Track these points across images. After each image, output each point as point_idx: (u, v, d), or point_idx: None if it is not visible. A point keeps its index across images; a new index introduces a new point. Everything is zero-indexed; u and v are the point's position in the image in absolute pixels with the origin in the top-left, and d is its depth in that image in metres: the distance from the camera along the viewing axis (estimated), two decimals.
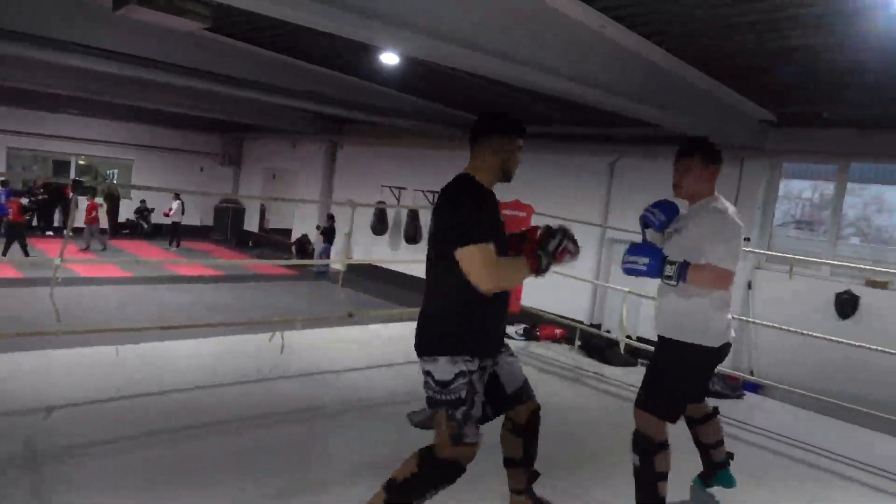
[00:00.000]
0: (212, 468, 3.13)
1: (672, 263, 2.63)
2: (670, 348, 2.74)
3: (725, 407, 4.69)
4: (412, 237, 12.58)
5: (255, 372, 4.49)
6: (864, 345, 4.59)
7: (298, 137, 16.38)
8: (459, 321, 2.38)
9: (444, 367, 2.34)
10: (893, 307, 7.39)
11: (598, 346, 5.59)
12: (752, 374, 8.20)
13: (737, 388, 5.01)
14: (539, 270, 2.36)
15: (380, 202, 12.06)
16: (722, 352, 2.77)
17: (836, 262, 7.55)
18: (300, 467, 3.25)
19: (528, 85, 5.98)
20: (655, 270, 2.67)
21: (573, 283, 6.28)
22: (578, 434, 4.00)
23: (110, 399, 3.81)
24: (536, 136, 10.79)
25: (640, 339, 7.33)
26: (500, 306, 2.47)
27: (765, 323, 6.06)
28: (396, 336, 5.84)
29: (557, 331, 6.12)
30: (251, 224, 19.40)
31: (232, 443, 3.47)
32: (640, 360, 5.70)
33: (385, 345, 5.60)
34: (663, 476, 2.72)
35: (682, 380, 2.74)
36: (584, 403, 4.66)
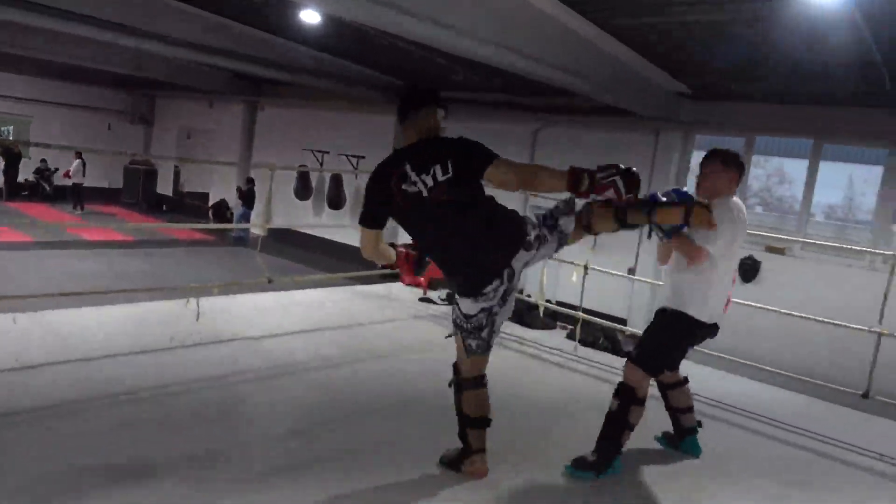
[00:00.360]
0: (125, 439, 3.02)
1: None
2: (668, 316, 3.11)
3: None
4: (336, 202, 12.37)
5: (168, 340, 4.33)
6: (764, 307, 4.91)
7: (216, 97, 15.66)
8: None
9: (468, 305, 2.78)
10: (789, 271, 7.92)
11: (518, 310, 5.71)
12: None
13: None
14: (576, 188, 2.59)
15: (302, 166, 11.75)
16: (710, 330, 3.13)
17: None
18: (221, 434, 3.18)
19: (453, 50, 5.94)
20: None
21: None
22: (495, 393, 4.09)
23: (10, 369, 3.58)
24: (461, 101, 10.79)
25: (559, 304, 7.58)
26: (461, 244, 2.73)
27: None
28: (316, 301, 5.78)
29: None
30: (165, 187, 18.50)
31: (146, 411, 3.35)
32: (558, 324, 5.90)
33: (305, 311, 5.52)
34: (630, 427, 3.06)
35: (670, 342, 3.14)
36: (502, 365, 4.76)
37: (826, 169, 9.44)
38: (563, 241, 2.88)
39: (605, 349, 5.20)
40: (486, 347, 2.86)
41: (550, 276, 5.98)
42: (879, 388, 4.10)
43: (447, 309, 6.07)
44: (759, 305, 4.95)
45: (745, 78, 7.38)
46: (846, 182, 14.22)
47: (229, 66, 10.82)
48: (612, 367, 4.83)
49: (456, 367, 2.95)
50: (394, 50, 8.48)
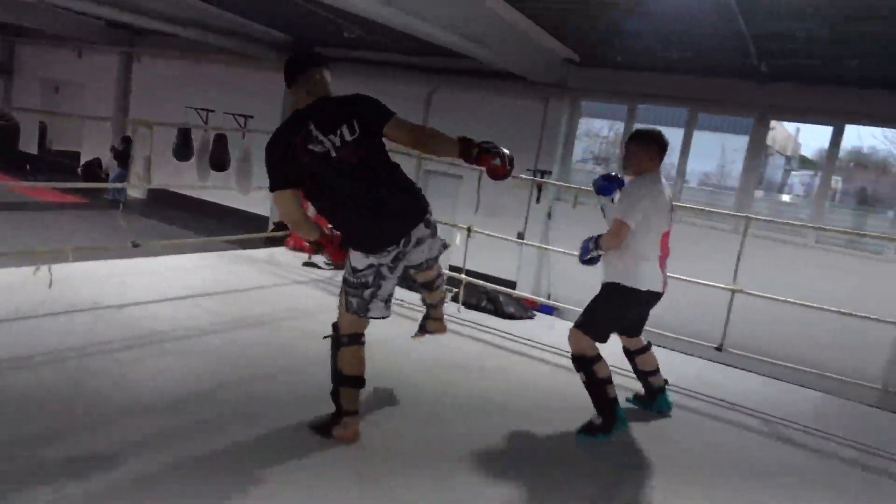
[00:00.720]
0: None
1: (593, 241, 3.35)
2: (604, 287, 3.38)
3: (517, 326, 5.08)
4: (220, 164, 11.72)
5: (14, 311, 3.93)
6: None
7: (85, 46, 14.31)
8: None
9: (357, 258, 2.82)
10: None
11: (402, 273, 5.68)
12: (548, 297, 8.91)
13: (528, 309, 5.38)
14: (466, 154, 2.75)
15: (183, 124, 11.01)
16: (647, 296, 3.32)
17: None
18: (67, 414, 2.91)
19: (343, 5, 5.68)
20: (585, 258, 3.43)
21: None
22: (372, 352, 4.04)
23: None
24: (353, 60, 10.47)
25: (449, 267, 7.60)
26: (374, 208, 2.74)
27: (556, 249, 6.50)
28: (190, 267, 5.45)
29: None
30: (29, 145, 16.82)
31: None
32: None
33: (177, 277, 5.19)
34: (607, 380, 3.28)
35: (608, 310, 3.34)
36: (383, 326, 4.71)
37: (703, 138, 10.00)
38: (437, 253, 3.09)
39: (487, 311, 5.25)
40: (364, 310, 2.82)
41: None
42: (732, 342, 4.43)
43: (332, 273, 5.93)
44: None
45: (626, 47, 7.58)
46: (720, 151, 15.24)
47: (101, 14, 9.87)
48: (493, 328, 4.92)
49: (335, 324, 2.94)
50: (284, 4, 8.04)
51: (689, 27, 6.37)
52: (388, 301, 2.87)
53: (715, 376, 4.50)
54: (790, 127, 20.73)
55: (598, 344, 3.28)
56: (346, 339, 2.88)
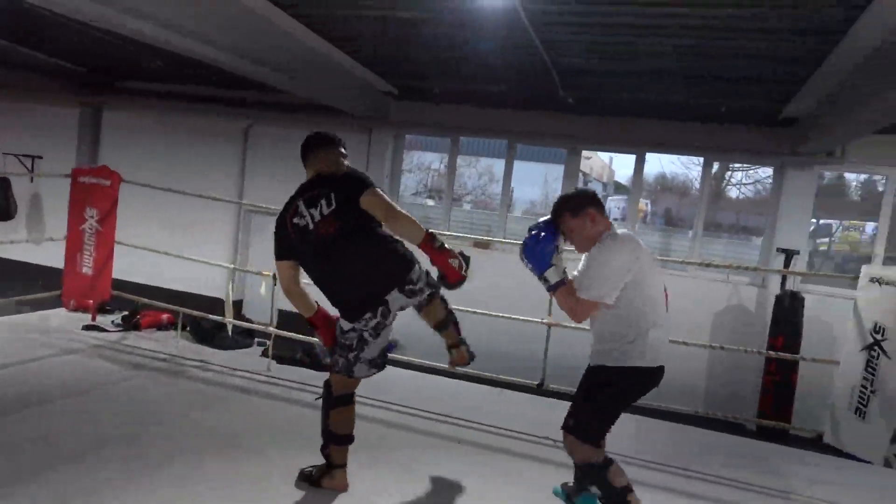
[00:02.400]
0: None
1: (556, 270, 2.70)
2: (598, 373, 2.72)
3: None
4: (4, 212, 10.15)
5: None
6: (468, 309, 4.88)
7: None
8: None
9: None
10: (494, 265, 8.38)
11: (206, 329, 5.03)
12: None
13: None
14: (430, 244, 2.74)
15: None
16: (660, 374, 2.69)
17: (448, 233, 8.29)
18: None
19: (140, 37, 5.01)
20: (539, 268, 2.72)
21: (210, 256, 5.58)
22: (147, 432, 3.40)
23: None
24: (160, 95, 9.58)
25: (281, 314, 6.94)
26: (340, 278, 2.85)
27: None
28: None
29: (164, 316, 5.36)
30: None
31: None
32: (256, 340, 5.31)
33: None
34: (627, 488, 2.66)
35: (612, 404, 2.72)
36: (168, 395, 4.05)
37: (525, 168, 10.31)
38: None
39: (302, 364, 4.76)
40: (348, 371, 2.88)
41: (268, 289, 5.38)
42: (554, 377, 4.30)
43: (119, 336, 5.11)
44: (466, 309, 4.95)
45: (441, 81, 7.59)
46: (543, 180, 16.04)
47: None
48: (307, 383, 4.41)
49: (327, 382, 2.99)
50: (74, 33, 7.08)
51: (500, 61, 6.46)
52: (372, 362, 2.91)
53: (536, 414, 4.27)
54: (605, 156, 22.53)
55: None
56: (337, 401, 2.95)
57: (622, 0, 4.52)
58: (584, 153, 9.02)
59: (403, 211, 2.80)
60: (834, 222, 16.92)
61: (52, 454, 3.04)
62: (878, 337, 3.06)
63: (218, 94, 9.48)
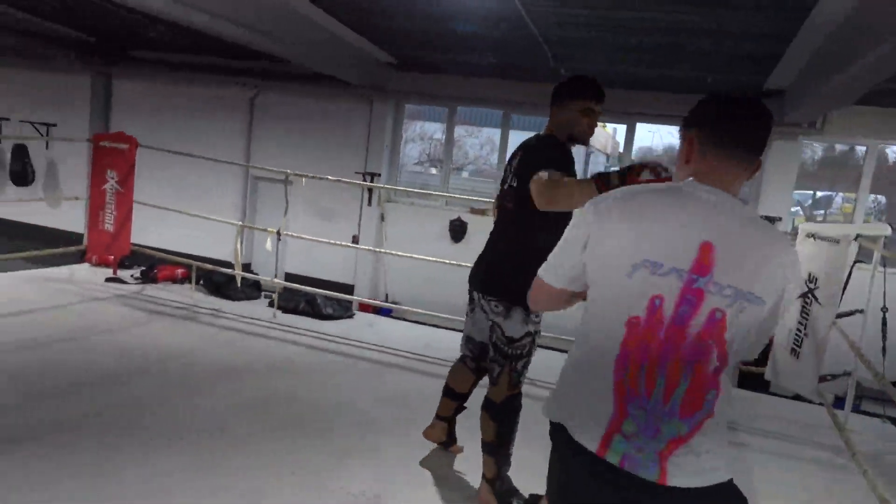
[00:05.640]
0: None
1: None
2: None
3: (335, 327, 5.09)
4: (21, 177, 10.60)
5: None
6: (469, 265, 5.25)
7: None
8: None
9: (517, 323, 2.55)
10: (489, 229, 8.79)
11: (218, 282, 5.49)
12: (387, 298, 9.04)
13: (347, 309, 5.42)
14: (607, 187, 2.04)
15: None
16: None
17: (447, 195, 8.67)
18: None
19: (141, 7, 5.34)
20: None
21: (215, 223, 6.00)
22: (165, 362, 3.88)
23: None
24: (169, 64, 9.92)
25: (287, 276, 7.39)
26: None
27: (392, 252, 6.63)
28: None
29: (179, 270, 5.81)
30: None
31: None
32: (263, 293, 5.77)
33: None
34: None
35: None
36: (189, 338, 4.53)
37: (522, 137, 10.61)
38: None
39: (304, 313, 5.22)
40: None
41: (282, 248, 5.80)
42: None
43: (138, 287, 5.58)
44: (466, 264, 5.31)
45: (438, 52, 7.89)
46: None
47: None
48: (308, 329, 4.89)
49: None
50: (85, 3, 7.42)
51: (492, 34, 6.76)
52: (464, 341, 2.88)
53: None
54: (610, 128, 22.70)
55: None
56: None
57: None
58: None
59: (560, 189, 2.20)
60: (838, 195, 17.15)
61: (92, 375, 3.51)
62: (812, 286, 3.46)
63: (225, 63, 9.81)
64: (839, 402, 5.61)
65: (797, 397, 4.45)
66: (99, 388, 3.38)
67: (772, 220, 7.74)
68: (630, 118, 8.43)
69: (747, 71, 7.00)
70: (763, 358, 3.99)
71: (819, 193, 17.49)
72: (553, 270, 1.51)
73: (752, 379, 4.64)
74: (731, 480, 1.38)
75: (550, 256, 1.53)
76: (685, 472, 1.32)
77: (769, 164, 8.06)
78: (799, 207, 16.13)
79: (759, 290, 1.31)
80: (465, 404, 2.98)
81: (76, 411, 3.10)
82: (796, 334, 3.58)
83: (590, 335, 1.42)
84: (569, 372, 1.47)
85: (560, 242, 1.50)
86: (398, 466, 2.90)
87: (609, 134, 24.44)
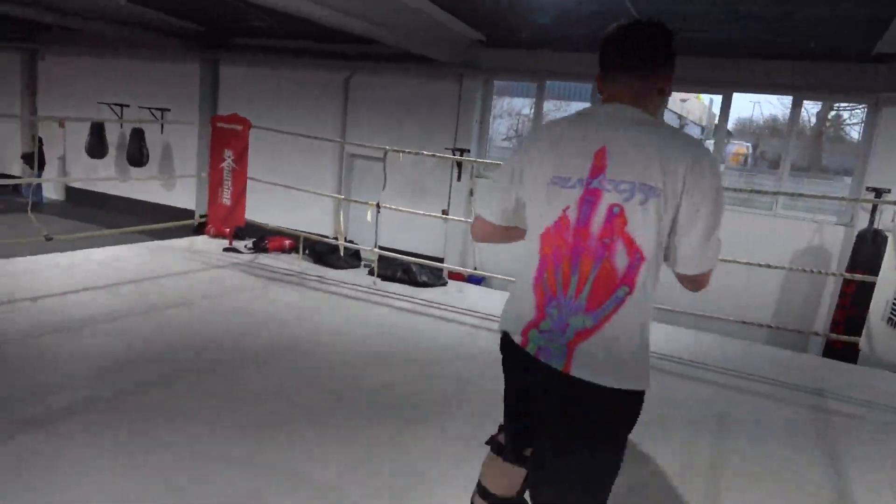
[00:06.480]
0: None
1: None
2: (622, 405, 1.56)
3: (431, 293, 5.39)
4: (138, 159, 11.56)
5: None
6: None
7: None
8: None
9: None
10: None
11: (321, 252, 5.91)
12: (475, 269, 9.29)
13: (440, 277, 5.70)
14: None
15: (96, 120, 10.81)
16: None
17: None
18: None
19: None
20: None
21: (316, 199, 6.49)
22: (288, 323, 4.28)
23: None
24: (267, 49, 10.49)
25: (382, 248, 7.79)
26: None
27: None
28: (107, 259, 5.52)
29: (287, 242, 6.29)
30: None
31: None
32: (363, 262, 6.16)
33: (94, 268, 5.25)
34: None
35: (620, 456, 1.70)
36: (301, 302, 4.95)
37: None
38: None
39: (401, 281, 5.54)
40: None
41: (371, 222, 6.18)
42: None
43: (252, 256, 6.10)
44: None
45: (528, 27, 7.94)
46: None
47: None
48: (405, 295, 5.23)
49: None
50: None
51: (581, 7, 6.76)
52: None
53: None
54: (706, 98, 21.87)
55: None
56: None
57: None
58: (680, 96, 9.11)
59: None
60: None
61: (223, 329, 3.97)
62: None
63: (320, 47, 10.27)
64: None
65: None
66: (228, 345, 3.82)
67: (879, 191, 7.36)
68: (725, 88, 8.18)
69: (856, 35, 6.65)
70: (858, 327, 3.94)
71: None
72: (488, 206, 1.69)
73: (843, 350, 4.56)
74: (640, 392, 1.48)
75: (484, 193, 1.65)
76: (588, 365, 1.44)
77: (879, 133, 7.63)
78: None
79: (657, 183, 1.39)
80: None
81: (212, 363, 3.54)
82: (893, 304, 3.52)
83: (521, 256, 1.59)
84: (509, 292, 1.68)
85: (490, 180, 1.67)
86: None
87: (705, 105, 23.50)
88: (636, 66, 1.52)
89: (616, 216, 1.42)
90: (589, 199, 1.45)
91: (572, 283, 1.46)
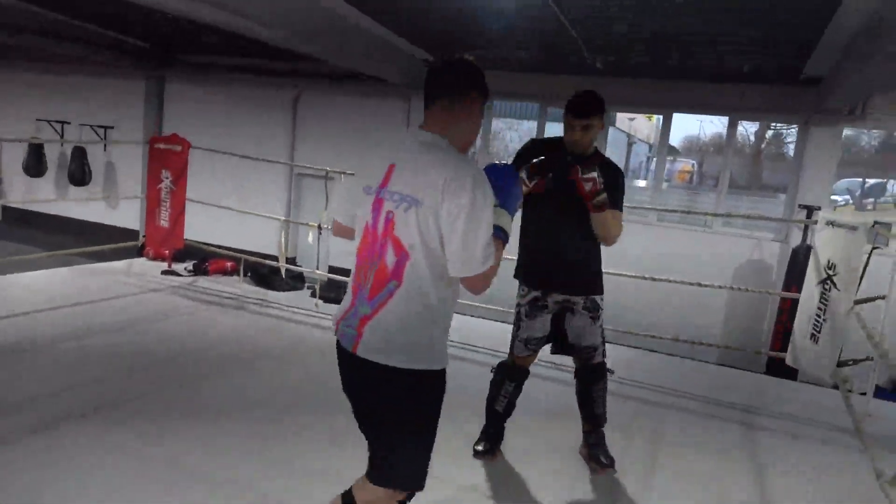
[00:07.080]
0: None
1: None
2: (415, 382, 1.78)
3: None
4: (80, 178, 11.23)
5: None
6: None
7: None
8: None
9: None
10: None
11: (263, 274, 5.82)
12: None
13: None
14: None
15: (34, 138, 10.48)
16: None
17: None
18: None
19: (189, 15, 5.69)
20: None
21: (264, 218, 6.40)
22: (216, 346, 4.19)
23: None
24: (217, 66, 10.37)
25: (331, 269, 7.72)
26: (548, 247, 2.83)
27: None
28: (40, 282, 5.32)
29: (228, 264, 6.18)
30: None
31: None
32: (306, 285, 6.09)
33: (23, 293, 5.05)
34: None
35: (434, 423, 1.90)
36: (237, 325, 4.86)
37: (559, 129, 10.71)
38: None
39: None
40: (511, 346, 3.00)
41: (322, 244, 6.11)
42: None
43: (192, 279, 5.96)
44: None
45: (475, 47, 8.05)
46: None
47: None
48: None
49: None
50: (137, 12, 7.87)
51: (524, 28, 6.90)
52: (527, 343, 2.92)
53: None
54: (656, 118, 22.46)
55: None
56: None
57: None
58: (627, 115, 9.36)
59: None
60: (891, 182, 16.53)
61: (148, 358, 3.86)
62: (830, 272, 3.52)
63: (269, 65, 10.20)
64: (881, 391, 5.60)
65: (835, 386, 4.51)
66: (155, 370, 3.71)
67: (810, 209, 7.66)
68: (666, 109, 8.44)
69: (784, 57, 6.96)
70: (785, 344, 4.10)
71: (870, 181, 16.90)
72: (338, 212, 2.00)
73: (782, 367, 4.72)
74: (420, 371, 1.71)
75: (338, 199, 2.15)
76: (369, 347, 1.72)
77: (809, 152, 7.97)
78: (848, 196, 15.68)
79: (419, 195, 1.66)
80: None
81: (142, 386, 3.44)
82: (815, 320, 3.65)
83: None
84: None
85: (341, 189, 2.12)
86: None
87: (653, 124, 24.18)
88: (439, 98, 1.80)
89: (389, 221, 1.70)
90: (376, 207, 1.74)
91: (366, 277, 1.75)
